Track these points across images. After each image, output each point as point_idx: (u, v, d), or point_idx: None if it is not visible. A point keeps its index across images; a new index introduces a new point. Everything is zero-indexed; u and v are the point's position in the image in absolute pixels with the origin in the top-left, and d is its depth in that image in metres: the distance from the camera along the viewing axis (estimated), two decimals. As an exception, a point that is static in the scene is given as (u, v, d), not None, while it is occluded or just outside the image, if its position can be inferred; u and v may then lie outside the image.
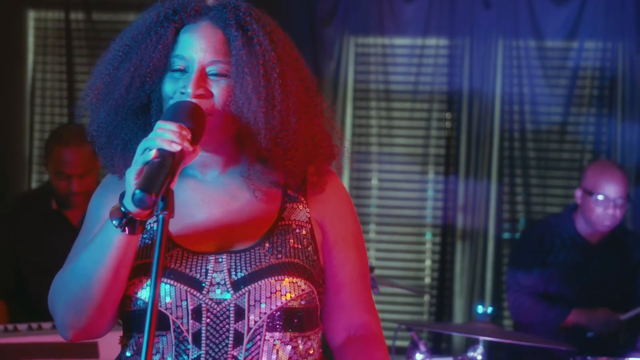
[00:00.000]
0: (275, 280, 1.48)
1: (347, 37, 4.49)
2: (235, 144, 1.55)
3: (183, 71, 1.50)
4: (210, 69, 1.49)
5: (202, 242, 1.51)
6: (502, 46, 4.41)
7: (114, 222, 1.40)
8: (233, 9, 1.52)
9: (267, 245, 1.51)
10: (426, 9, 4.42)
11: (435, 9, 4.41)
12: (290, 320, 1.50)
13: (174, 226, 1.52)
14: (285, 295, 1.48)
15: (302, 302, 1.51)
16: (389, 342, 3.74)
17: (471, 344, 3.19)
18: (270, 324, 1.48)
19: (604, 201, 3.63)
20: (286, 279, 1.48)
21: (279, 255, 1.50)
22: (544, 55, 4.42)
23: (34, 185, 4.57)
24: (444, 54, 4.46)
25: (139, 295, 1.48)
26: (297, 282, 1.50)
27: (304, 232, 1.55)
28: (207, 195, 1.56)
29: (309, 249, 1.55)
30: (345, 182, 4.50)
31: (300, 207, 1.57)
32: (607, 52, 4.37)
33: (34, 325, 2.96)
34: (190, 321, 1.46)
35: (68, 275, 1.49)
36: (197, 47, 1.49)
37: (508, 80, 4.41)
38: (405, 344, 3.91)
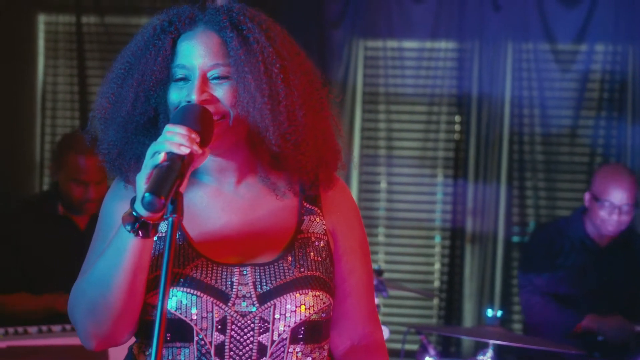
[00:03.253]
0: (300, 294, 1.49)
1: (356, 40, 4.49)
2: (249, 151, 1.56)
3: (185, 80, 1.51)
4: (211, 74, 1.50)
5: (225, 253, 1.52)
6: (512, 49, 4.41)
7: (126, 227, 1.41)
8: (226, 11, 1.53)
9: (289, 258, 1.52)
10: (435, 11, 4.42)
11: (444, 11, 4.42)
12: (312, 333, 1.51)
13: (195, 234, 1.53)
14: (309, 308, 1.49)
15: (323, 315, 1.53)
16: (398, 345, 3.73)
17: (480, 347, 3.19)
18: (293, 337, 1.49)
19: (609, 207, 3.63)
20: (310, 292, 1.50)
21: (302, 269, 1.52)
22: (554, 58, 4.41)
23: (45, 188, 4.59)
24: (453, 57, 4.46)
25: None
26: (319, 296, 1.51)
27: (322, 245, 1.57)
28: (226, 204, 1.56)
29: (327, 261, 1.56)
30: (354, 185, 4.50)
31: (317, 219, 1.58)
32: (617, 55, 4.36)
33: (44, 328, 2.97)
34: (215, 333, 1.47)
35: (86, 283, 1.50)
36: (195, 53, 1.50)
37: (517, 83, 4.40)
38: (415, 347, 3.91)
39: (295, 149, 1.52)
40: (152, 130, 1.54)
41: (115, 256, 1.44)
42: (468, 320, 4.43)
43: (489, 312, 3.21)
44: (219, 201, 1.56)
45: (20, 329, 2.96)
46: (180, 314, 1.46)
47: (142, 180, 1.37)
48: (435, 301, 4.51)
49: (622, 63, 4.35)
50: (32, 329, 2.96)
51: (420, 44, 4.49)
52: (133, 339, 1.58)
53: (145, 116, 1.53)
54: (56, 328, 2.98)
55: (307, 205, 1.59)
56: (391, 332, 3.38)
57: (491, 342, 3.07)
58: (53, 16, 4.65)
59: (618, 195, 3.63)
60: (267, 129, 1.49)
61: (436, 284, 4.53)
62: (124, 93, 1.52)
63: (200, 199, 1.56)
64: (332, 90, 1.61)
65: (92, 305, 1.47)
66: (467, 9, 4.39)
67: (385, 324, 3.42)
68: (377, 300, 3.38)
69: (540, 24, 4.37)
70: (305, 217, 1.57)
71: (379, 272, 3.51)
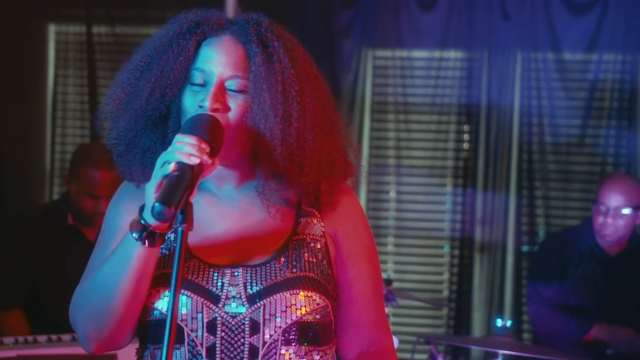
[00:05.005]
0: (291, 294, 1.48)
1: (365, 49, 4.50)
2: (251, 159, 1.56)
3: (203, 85, 1.51)
4: (229, 84, 1.50)
5: (218, 255, 1.52)
6: (521, 58, 4.41)
7: (134, 235, 1.41)
8: (255, 24, 1.53)
9: (282, 259, 1.51)
10: (444, 21, 4.42)
11: (453, 21, 4.42)
12: (305, 334, 1.49)
13: (191, 238, 1.52)
14: (300, 309, 1.48)
15: (317, 316, 1.51)
16: (407, 355, 3.73)
17: (490, 357, 3.17)
18: (285, 338, 1.48)
19: (605, 210, 3.64)
20: (301, 292, 1.49)
21: (294, 270, 1.51)
22: (563, 68, 4.40)
23: (55, 197, 4.60)
24: (462, 67, 4.46)
25: (156, 305, 1.48)
26: (312, 296, 1.50)
27: (318, 246, 1.55)
28: (222, 209, 1.56)
29: (324, 262, 1.55)
30: (363, 194, 4.50)
31: (315, 221, 1.57)
32: (626, 65, 4.35)
33: (54, 337, 2.98)
34: (205, 334, 1.46)
35: (88, 288, 1.50)
36: (217, 61, 1.50)
37: (527, 92, 4.40)
38: (424, 357, 3.90)
39: (299, 171, 1.52)
40: (161, 128, 1.54)
41: (121, 263, 1.44)
42: (477, 330, 4.42)
43: (499, 322, 3.20)
44: (216, 205, 1.56)
45: (30, 338, 2.96)
46: None
47: (151, 190, 1.38)
48: (445, 311, 4.50)
49: (632, 72, 4.34)
50: (42, 338, 2.97)
51: (429, 54, 4.49)
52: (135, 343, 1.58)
53: (157, 112, 1.52)
54: (66, 337, 2.98)
55: (305, 208, 1.58)
56: (400, 341, 3.37)
57: (501, 352, 3.06)
58: (63, 26, 4.67)
59: (612, 198, 3.64)
60: (275, 148, 1.49)
61: (445, 293, 4.52)
62: (141, 86, 1.52)
63: (197, 202, 1.54)
64: (343, 116, 1.61)
65: (95, 310, 1.47)
66: (476, 19, 4.39)
67: (395, 333, 3.40)
68: (386, 310, 3.37)
69: (549, 33, 4.37)
70: (302, 219, 1.57)
71: (388, 282, 3.50)
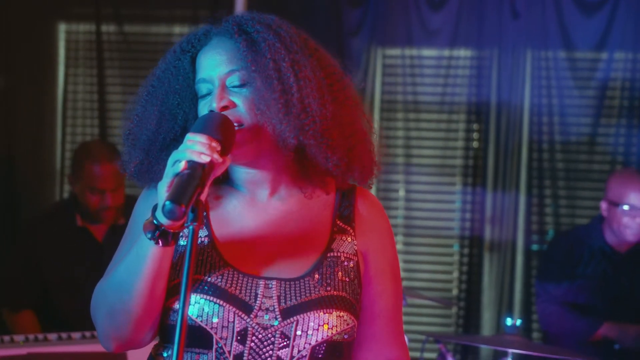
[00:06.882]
0: (324, 313, 1.49)
1: (375, 48, 4.49)
2: (280, 161, 1.56)
3: (210, 94, 1.54)
4: (230, 81, 1.52)
5: (252, 263, 1.53)
6: (531, 57, 4.40)
7: (147, 235, 1.42)
8: (236, 19, 1.57)
9: (316, 276, 1.52)
10: (454, 19, 4.42)
11: (463, 19, 4.41)
12: (332, 353, 1.51)
13: (224, 242, 1.54)
14: (332, 328, 1.49)
15: (345, 336, 1.52)
16: (416, 354, 3.73)
17: (499, 356, 3.17)
18: (313, 355, 1.49)
19: (630, 211, 3.61)
20: (334, 312, 1.50)
21: (328, 288, 1.52)
22: (573, 66, 4.39)
23: (65, 196, 4.61)
24: (471, 65, 4.45)
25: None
26: (343, 317, 1.51)
27: (351, 265, 1.56)
28: (258, 215, 1.57)
29: (355, 282, 1.56)
30: (373, 193, 4.50)
31: (349, 239, 1.58)
32: (637, 63, 4.34)
33: (64, 335, 2.99)
34: (234, 343, 1.47)
35: (106, 286, 1.52)
36: (212, 64, 1.54)
37: (537, 91, 4.39)
38: (433, 356, 3.90)
39: (317, 140, 1.51)
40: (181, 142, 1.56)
41: (136, 263, 1.45)
42: (487, 329, 4.41)
43: (509, 321, 3.20)
44: (252, 211, 1.57)
45: (40, 336, 2.98)
46: (201, 321, 1.47)
47: (163, 189, 1.38)
48: (454, 310, 4.49)
49: (643, 71, 4.33)
50: (52, 336, 2.98)
51: (439, 52, 4.49)
52: (154, 342, 1.59)
53: (172, 133, 1.56)
54: (76, 335, 2.99)
55: (340, 224, 1.59)
56: (410, 340, 3.37)
57: (510, 351, 3.05)
58: (73, 25, 4.69)
59: (638, 198, 3.61)
60: (281, 122, 1.49)
61: (455, 292, 4.52)
62: (148, 114, 1.56)
63: (233, 207, 1.57)
64: (354, 78, 1.62)
65: (112, 308, 1.49)
66: (486, 17, 4.39)
67: (404, 332, 3.41)
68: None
69: (559, 31, 4.36)
70: (336, 236, 1.58)
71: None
